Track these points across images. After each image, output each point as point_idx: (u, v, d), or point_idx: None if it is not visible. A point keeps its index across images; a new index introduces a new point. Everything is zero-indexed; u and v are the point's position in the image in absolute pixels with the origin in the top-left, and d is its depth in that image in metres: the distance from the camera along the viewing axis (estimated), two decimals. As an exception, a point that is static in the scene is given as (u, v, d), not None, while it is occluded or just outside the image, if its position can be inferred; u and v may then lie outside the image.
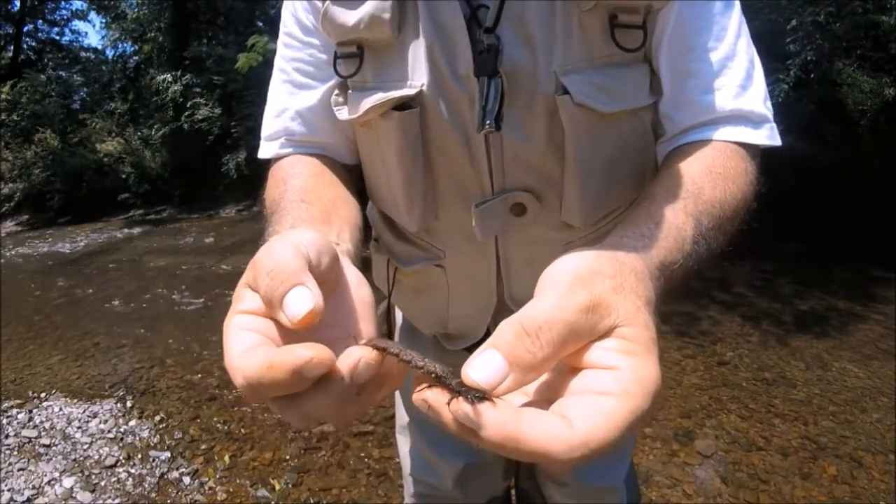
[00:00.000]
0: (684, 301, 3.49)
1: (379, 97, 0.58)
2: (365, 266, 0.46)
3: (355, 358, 0.30)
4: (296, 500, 1.89)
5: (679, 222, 0.45)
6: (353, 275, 0.39)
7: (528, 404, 0.32)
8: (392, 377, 0.33)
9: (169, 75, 9.21)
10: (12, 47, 13.88)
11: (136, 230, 7.84)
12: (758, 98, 0.58)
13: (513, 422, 0.27)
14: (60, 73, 12.88)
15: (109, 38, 12.75)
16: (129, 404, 2.59)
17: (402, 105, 0.58)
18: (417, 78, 0.57)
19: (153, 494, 1.95)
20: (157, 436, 2.31)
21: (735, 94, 0.57)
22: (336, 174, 0.63)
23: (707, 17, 0.57)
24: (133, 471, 2.09)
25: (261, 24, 10.24)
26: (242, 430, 2.32)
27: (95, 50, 14.97)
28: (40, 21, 14.89)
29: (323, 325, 0.33)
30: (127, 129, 10.74)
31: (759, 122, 0.58)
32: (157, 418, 2.45)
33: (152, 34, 10.65)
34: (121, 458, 2.16)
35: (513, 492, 1.09)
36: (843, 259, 4.37)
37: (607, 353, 0.30)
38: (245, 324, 0.32)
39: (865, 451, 2.03)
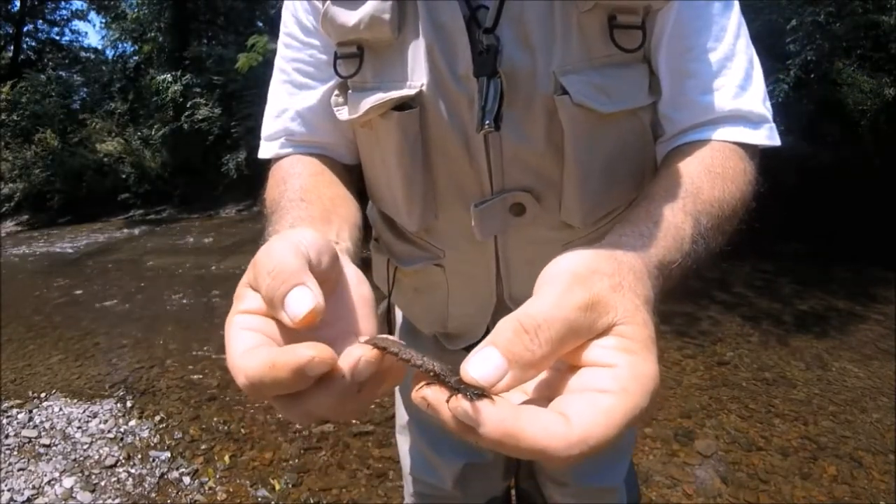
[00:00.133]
0: (684, 301, 3.49)
1: (379, 97, 0.58)
2: (365, 266, 0.46)
3: (356, 356, 0.30)
4: (296, 500, 1.89)
5: (678, 221, 0.46)
6: (352, 273, 0.39)
7: (526, 402, 0.32)
8: (392, 373, 0.33)
9: (169, 75, 9.23)
10: (12, 47, 13.90)
11: (136, 230, 7.85)
12: (757, 98, 0.58)
13: (511, 419, 0.27)
14: (60, 73, 12.90)
15: (109, 38, 12.79)
16: (129, 404, 2.59)
17: (402, 105, 0.58)
18: (417, 78, 0.57)
19: (153, 494, 1.95)
20: (157, 436, 2.32)
21: (734, 94, 0.57)
22: (336, 174, 0.63)
23: (706, 17, 0.57)
24: (133, 471, 2.09)
25: (261, 24, 10.26)
26: (242, 430, 2.32)
27: (95, 50, 15.03)
28: (40, 21, 14.92)
29: (323, 324, 0.33)
30: (127, 129, 10.76)
31: (758, 122, 0.58)
32: (157, 418, 2.45)
33: (152, 34, 10.67)
34: (121, 458, 2.16)
35: (513, 492, 1.09)
36: (843, 259, 4.37)
37: (606, 351, 0.30)
38: (246, 323, 0.33)
39: (865, 451, 2.03)
